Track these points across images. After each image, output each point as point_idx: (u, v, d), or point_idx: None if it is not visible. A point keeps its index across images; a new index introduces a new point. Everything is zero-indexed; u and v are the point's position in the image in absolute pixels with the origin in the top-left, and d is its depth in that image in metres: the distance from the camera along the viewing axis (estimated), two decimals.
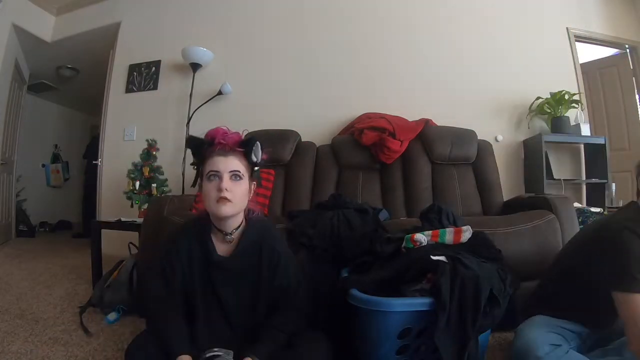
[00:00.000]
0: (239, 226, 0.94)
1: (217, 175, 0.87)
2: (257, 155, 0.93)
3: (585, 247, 1.01)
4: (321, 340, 0.90)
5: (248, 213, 0.97)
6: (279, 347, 0.86)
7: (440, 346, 0.84)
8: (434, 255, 0.98)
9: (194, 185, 0.98)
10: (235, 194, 0.87)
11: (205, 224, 0.95)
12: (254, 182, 0.96)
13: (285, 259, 0.96)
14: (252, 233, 0.95)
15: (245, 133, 0.98)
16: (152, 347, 0.83)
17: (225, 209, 0.87)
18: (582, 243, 1.05)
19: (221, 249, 0.95)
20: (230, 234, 0.93)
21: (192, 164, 1.00)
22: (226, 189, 0.85)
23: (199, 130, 2.70)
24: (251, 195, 0.95)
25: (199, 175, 0.93)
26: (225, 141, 0.89)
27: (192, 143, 0.95)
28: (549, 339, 0.91)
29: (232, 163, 0.89)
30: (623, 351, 0.90)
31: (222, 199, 0.86)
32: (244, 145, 0.91)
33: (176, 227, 1.05)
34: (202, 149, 0.91)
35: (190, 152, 0.97)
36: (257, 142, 0.93)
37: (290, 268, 0.96)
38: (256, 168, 0.95)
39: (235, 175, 0.89)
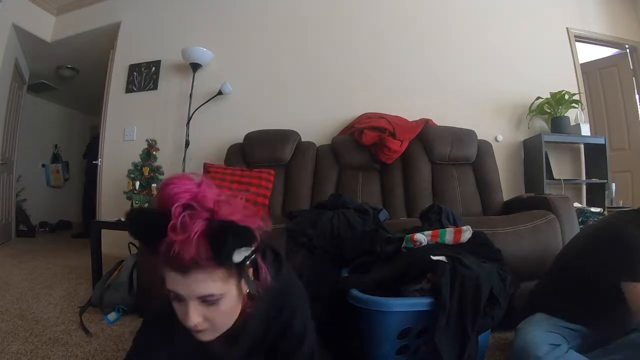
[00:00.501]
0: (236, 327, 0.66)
1: (182, 299, 0.58)
2: (241, 255, 0.57)
3: (590, 244, 1.02)
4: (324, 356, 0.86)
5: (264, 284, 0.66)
6: None
7: (440, 346, 0.84)
8: (434, 255, 0.98)
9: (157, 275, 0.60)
10: (214, 319, 0.60)
11: None
12: (251, 274, 0.64)
13: (294, 315, 0.71)
14: (258, 317, 0.69)
15: (223, 193, 0.61)
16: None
17: (205, 337, 0.62)
18: (586, 241, 1.06)
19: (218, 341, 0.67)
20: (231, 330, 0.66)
21: (147, 254, 0.69)
22: (197, 323, 0.58)
23: (199, 130, 2.71)
24: (246, 292, 0.64)
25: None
26: (179, 251, 0.52)
27: (137, 230, 0.59)
28: (548, 339, 0.91)
29: (199, 286, 0.56)
30: (625, 350, 0.89)
31: (199, 332, 0.61)
32: (215, 253, 0.54)
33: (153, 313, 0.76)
34: (153, 241, 0.56)
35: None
36: (237, 234, 0.55)
37: (295, 324, 0.71)
38: (248, 262, 0.61)
39: (207, 300, 0.58)
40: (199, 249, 0.53)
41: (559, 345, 0.90)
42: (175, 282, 0.57)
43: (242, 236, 0.56)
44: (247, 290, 0.64)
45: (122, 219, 2.10)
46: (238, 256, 0.57)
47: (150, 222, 0.57)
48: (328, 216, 1.44)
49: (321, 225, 1.40)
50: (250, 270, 0.64)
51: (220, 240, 0.53)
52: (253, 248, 0.60)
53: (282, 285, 0.71)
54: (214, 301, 0.58)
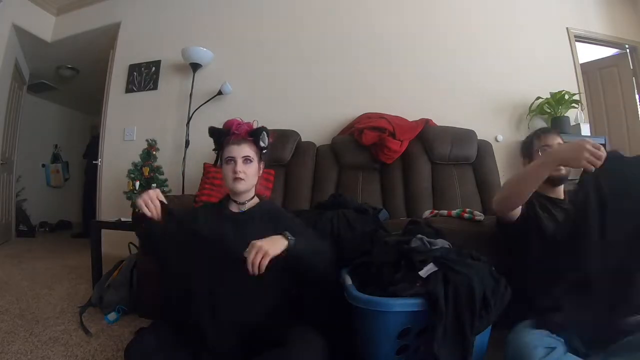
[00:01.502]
0: (251, 198, 1.16)
1: (233, 160, 1.09)
2: (265, 141, 1.16)
3: None
4: (315, 340, 0.89)
5: (261, 189, 1.20)
6: (309, 249, 0.98)
7: (439, 357, 0.83)
8: (422, 262, 0.97)
9: (215, 165, 1.20)
10: (247, 174, 1.10)
11: (221, 199, 1.19)
12: (262, 163, 1.18)
13: (298, 221, 1.17)
14: (265, 205, 1.18)
15: (255, 123, 1.19)
16: (151, 346, 0.86)
17: (240, 186, 1.10)
18: None
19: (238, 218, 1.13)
20: (244, 203, 1.13)
21: (213, 149, 1.20)
22: (240, 171, 1.08)
23: (198, 130, 2.71)
24: (261, 172, 1.18)
25: (219, 158, 1.15)
26: (238, 132, 1.12)
27: (213, 133, 1.18)
28: (543, 342, 0.89)
29: (244, 150, 1.11)
30: (624, 353, 0.88)
31: (237, 179, 1.08)
32: (252, 135, 1.14)
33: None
34: (220, 138, 1.15)
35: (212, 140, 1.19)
36: (264, 131, 1.15)
37: (302, 225, 1.16)
38: (264, 151, 1.17)
39: (247, 159, 1.10)
40: (247, 133, 1.14)
41: (555, 348, 0.88)
42: (232, 150, 1.11)
43: (264, 132, 1.17)
44: (261, 172, 1.18)
45: (122, 219, 2.10)
46: (262, 142, 1.15)
47: (220, 130, 1.18)
48: (328, 216, 1.44)
49: (321, 225, 1.40)
50: (262, 164, 1.19)
51: (255, 130, 1.16)
52: (267, 144, 1.18)
53: (276, 204, 1.33)
54: (249, 160, 1.11)
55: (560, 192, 1.32)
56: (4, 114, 3.42)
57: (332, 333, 1.03)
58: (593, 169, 0.88)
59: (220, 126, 1.19)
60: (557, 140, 1.31)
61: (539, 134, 1.37)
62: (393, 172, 2.17)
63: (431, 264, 0.96)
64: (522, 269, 1.15)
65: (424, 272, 0.94)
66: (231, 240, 1.02)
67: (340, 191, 2.04)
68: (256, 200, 1.17)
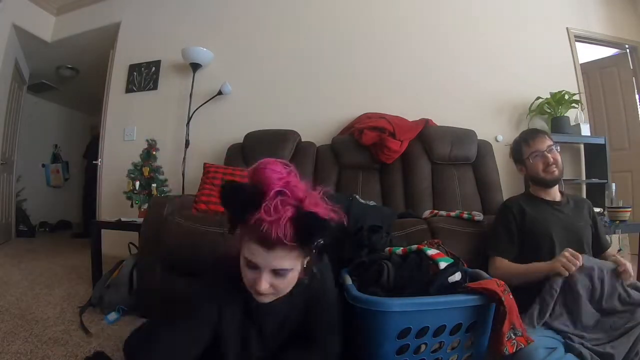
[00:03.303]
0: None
1: (256, 267, 0.68)
2: (320, 242, 0.66)
3: None
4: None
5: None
6: None
7: None
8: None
9: (229, 231, 0.72)
10: (278, 287, 0.70)
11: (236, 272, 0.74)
12: (316, 254, 0.71)
13: (325, 306, 0.84)
14: (295, 301, 0.79)
15: (304, 190, 0.69)
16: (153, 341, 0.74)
17: (265, 300, 0.72)
18: None
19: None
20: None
21: (229, 223, 0.72)
22: (266, 289, 0.68)
23: (198, 130, 2.70)
24: (305, 265, 0.74)
25: (233, 229, 0.71)
26: (268, 230, 0.62)
27: (228, 201, 0.68)
28: (543, 343, 0.90)
29: (277, 260, 0.66)
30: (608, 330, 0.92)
31: (261, 295, 0.70)
32: (300, 238, 0.63)
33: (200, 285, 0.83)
34: (243, 214, 0.65)
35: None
36: (319, 225, 0.64)
37: (326, 313, 0.84)
38: (317, 245, 0.67)
39: (279, 273, 0.68)
40: (285, 231, 0.62)
41: (555, 348, 0.89)
42: (257, 254, 0.66)
43: (324, 228, 0.65)
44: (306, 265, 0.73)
45: (122, 219, 2.10)
46: (316, 242, 0.66)
47: (245, 197, 0.65)
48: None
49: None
50: (309, 257, 0.73)
51: (307, 227, 0.63)
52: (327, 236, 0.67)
53: (316, 288, 0.82)
54: (284, 273, 0.68)
55: (555, 193, 1.31)
56: (4, 114, 3.41)
57: None
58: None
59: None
60: (546, 143, 1.28)
61: (526, 139, 1.32)
62: (393, 172, 2.17)
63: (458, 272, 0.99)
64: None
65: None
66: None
67: (340, 191, 2.04)
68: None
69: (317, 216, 0.64)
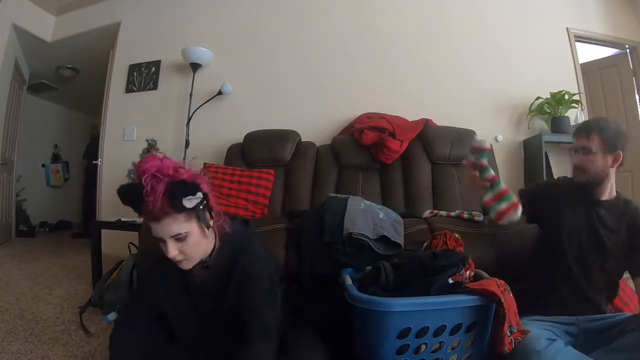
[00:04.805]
0: (212, 251, 0.90)
1: (163, 240, 0.81)
2: (193, 200, 0.80)
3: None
4: (317, 346, 0.91)
5: (223, 227, 0.91)
6: None
7: None
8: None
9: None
10: (186, 251, 0.83)
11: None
12: (206, 215, 0.85)
13: (255, 278, 0.89)
14: (225, 253, 0.91)
15: (187, 163, 0.86)
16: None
17: (185, 266, 0.86)
18: None
19: (199, 274, 0.92)
20: (206, 261, 0.90)
21: (139, 216, 0.93)
22: (175, 255, 0.81)
23: (199, 130, 2.71)
24: (211, 223, 0.87)
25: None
26: (152, 207, 0.76)
27: (127, 199, 0.81)
28: (544, 334, 0.92)
29: (169, 228, 0.79)
30: (630, 350, 0.90)
31: (179, 262, 0.84)
32: (171, 203, 0.77)
33: (153, 259, 0.99)
34: (136, 204, 0.80)
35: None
36: (184, 188, 0.78)
37: (255, 290, 0.88)
38: (201, 206, 0.82)
39: (178, 238, 0.81)
40: (163, 203, 0.76)
41: (555, 340, 0.91)
42: (154, 228, 0.80)
43: (187, 188, 0.78)
44: (211, 222, 0.87)
45: (122, 219, 2.10)
46: (189, 203, 0.79)
47: (132, 191, 0.79)
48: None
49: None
50: (207, 215, 0.85)
51: (173, 193, 0.77)
52: (200, 197, 0.81)
53: (241, 238, 0.94)
54: (183, 238, 0.81)
55: (602, 191, 1.14)
56: (4, 114, 3.41)
57: (332, 332, 1.03)
58: None
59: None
60: (582, 143, 1.12)
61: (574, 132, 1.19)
62: (393, 172, 2.16)
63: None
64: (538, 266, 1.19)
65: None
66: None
67: (340, 191, 2.04)
68: (219, 246, 0.92)
69: (181, 181, 0.78)
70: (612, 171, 1.12)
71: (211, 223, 0.87)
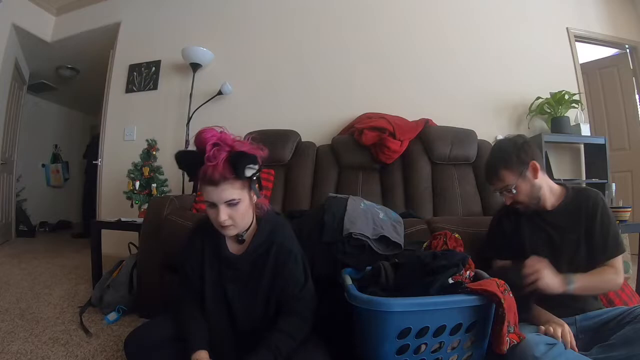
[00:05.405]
0: (249, 227, 0.98)
1: (214, 205, 0.88)
2: (250, 171, 0.88)
3: None
4: (319, 347, 0.92)
5: (260, 211, 1.01)
6: (280, 356, 0.86)
7: None
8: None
9: (194, 191, 0.99)
10: (235, 218, 0.90)
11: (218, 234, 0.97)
12: (256, 186, 0.95)
13: (294, 259, 0.97)
14: (263, 233, 0.99)
15: (238, 141, 0.92)
16: (151, 340, 0.91)
17: (230, 232, 0.93)
18: None
19: (233, 247, 1.00)
20: (242, 235, 0.98)
21: (190, 180, 1.00)
22: (225, 220, 0.88)
23: (199, 130, 2.70)
24: (255, 199, 0.96)
25: (197, 186, 0.96)
26: (212, 172, 0.84)
27: (181, 162, 0.93)
28: (543, 339, 0.91)
29: (225, 193, 0.87)
30: (624, 346, 0.89)
31: (225, 227, 0.90)
32: (233, 169, 0.85)
33: (193, 226, 1.11)
34: (193, 168, 0.89)
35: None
36: (246, 157, 0.86)
37: (295, 269, 0.97)
38: (254, 178, 0.92)
39: (231, 204, 0.88)
40: (224, 169, 0.85)
41: (555, 344, 0.90)
42: (210, 193, 0.87)
43: (249, 158, 0.87)
44: (255, 200, 0.96)
45: (122, 219, 2.10)
46: (249, 171, 0.87)
47: (191, 157, 0.90)
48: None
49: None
50: (257, 187, 0.96)
51: (235, 161, 0.85)
52: (257, 168, 0.90)
53: (277, 221, 1.03)
54: (235, 204, 0.88)
55: (546, 202, 1.14)
56: (4, 114, 3.41)
57: (332, 332, 1.03)
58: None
59: (221, 126, 0.93)
60: (498, 185, 1.15)
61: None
62: (393, 172, 2.16)
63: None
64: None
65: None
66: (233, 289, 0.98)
67: (341, 191, 2.04)
68: (254, 225, 1.00)
69: (243, 152, 0.87)
70: (540, 180, 1.12)
71: (255, 199, 0.96)
